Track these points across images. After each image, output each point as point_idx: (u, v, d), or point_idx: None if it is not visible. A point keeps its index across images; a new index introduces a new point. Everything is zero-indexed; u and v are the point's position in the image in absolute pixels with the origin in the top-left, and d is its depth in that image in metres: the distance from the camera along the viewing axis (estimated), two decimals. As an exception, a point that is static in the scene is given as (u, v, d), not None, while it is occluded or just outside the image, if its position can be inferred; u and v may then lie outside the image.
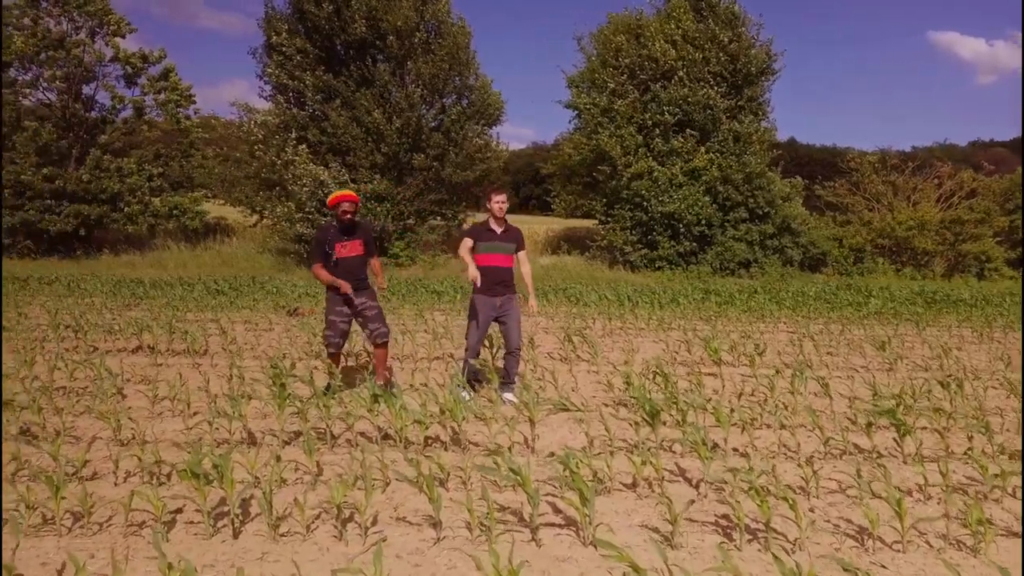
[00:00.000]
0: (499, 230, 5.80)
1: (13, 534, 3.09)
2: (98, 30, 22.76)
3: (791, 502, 3.21)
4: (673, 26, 21.42)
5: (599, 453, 4.43)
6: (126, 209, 22.11)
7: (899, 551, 3.24)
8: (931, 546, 3.30)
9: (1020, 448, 4.67)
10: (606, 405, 5.77)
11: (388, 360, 6.03)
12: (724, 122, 21.12)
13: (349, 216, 5.73)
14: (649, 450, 4.33)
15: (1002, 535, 3.43)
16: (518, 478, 3.33)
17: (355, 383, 6.29)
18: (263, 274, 18.52)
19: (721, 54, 21.03)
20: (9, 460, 4.03)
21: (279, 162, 19.78)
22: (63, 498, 3.30)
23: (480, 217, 6.55)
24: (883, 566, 3.12)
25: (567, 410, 5.09)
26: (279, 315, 10.89)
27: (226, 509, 3.42)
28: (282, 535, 3.31)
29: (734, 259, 20.34)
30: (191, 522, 3.44)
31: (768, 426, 5.17)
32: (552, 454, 4.44)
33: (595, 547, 3.18)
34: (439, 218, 22.14)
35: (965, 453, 4.48)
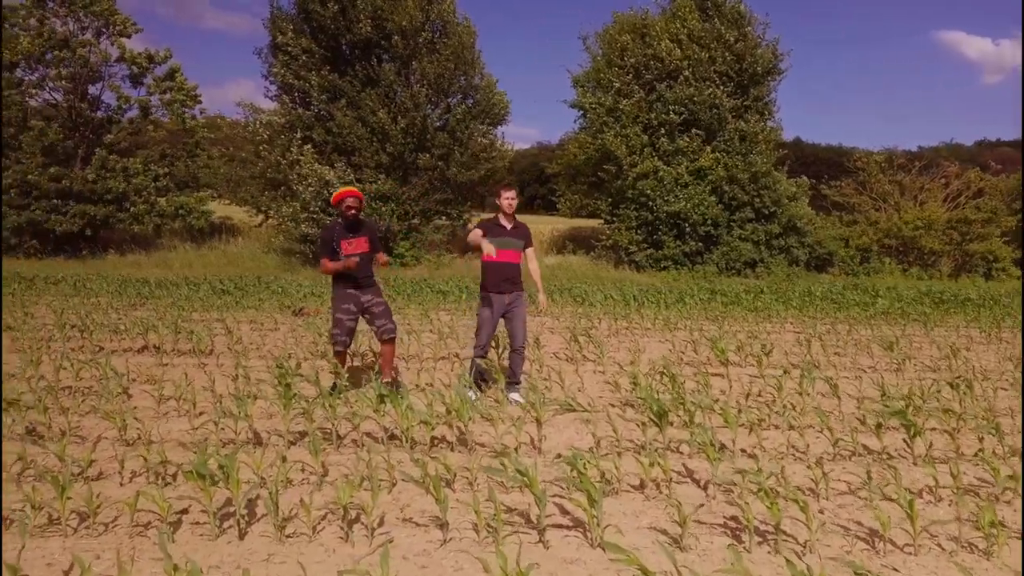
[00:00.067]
0: (508, 226, 5.79)
1: (19, 534, 3.08)
2: (104, 30, 22.87)
3: (801, 504, 3.18)
4: (679, 25, 21.40)
5: (606, 454, 4.40)
6: (132, 209, 22.18)
7: (911, 554, 3.21)
8: (943, 549, 3.26)
9: (1031, 450, 4.62)
10: (613, 405, 5.74)
11: (394, 360, 6.02)
12: (730, 121, 21.08)
13: (353, 212, 5.71)
14: (657, 451, 4.30)
15: (1015, 537, 3.39)
16: (525, 479, 3.30)
17: (361, 383, 6.28)
18: (268, 274, 18.54)
19: (727, 53, 21.00)
20: (15, 460, 4.02)
21: (284, 162, 19.82)
22: (69, 498, 3.28)
23: (485, 217, 6.54)
24: (895, 569, 3.08)
25: (573, 410, 5.07)
26: (284, 315, 10.89)
27: (232, 510, 3.41)
28: (288, 536, 3.29)
29: (740, 259, 20.30)
30: (197, 523, 3.42)
31: (776, 427, 5.13)
32: (560, 455, 4.42)
33: (603, 549, 3.15)
34: (444, 218, 22.15)
35: (976, 455, 4.44)
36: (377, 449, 4.43)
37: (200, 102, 24.41)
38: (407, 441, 4.51)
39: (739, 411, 4.96)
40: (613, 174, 21.46)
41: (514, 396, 5.69)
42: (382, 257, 5.94)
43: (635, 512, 3.64)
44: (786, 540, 3.28)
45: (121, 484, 3.90)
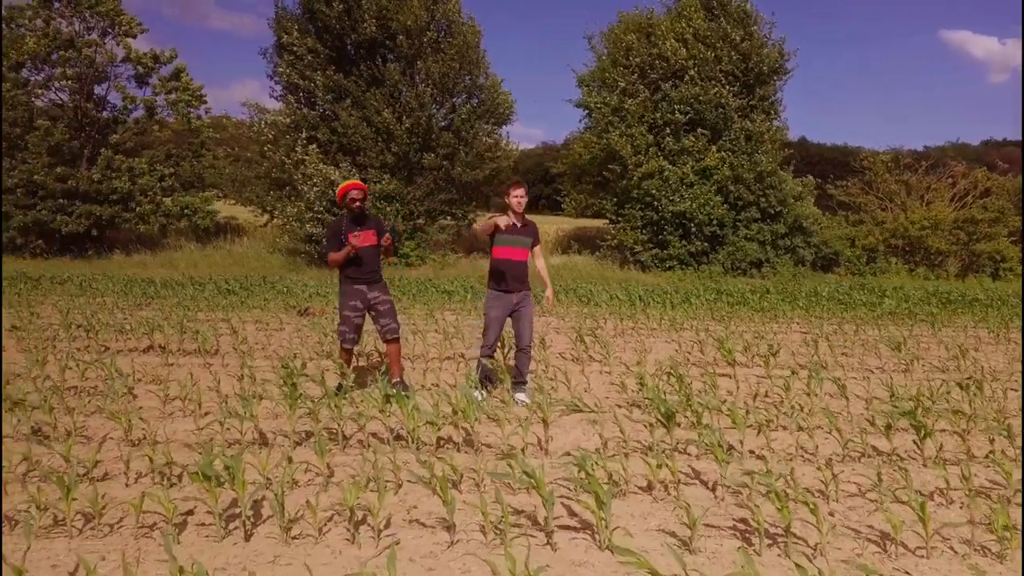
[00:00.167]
0: (517, 224, 5.76)
1: (24, 535, 3.06)
2: (110, 30, 22.90)
3: (811, 506, 3.15)
4: (684, 25, 21.32)
5: (614, 455, 4.36)
6: (137, 209, 22.21)
7: (923, 557, 3.17)
8: (956, 552, 3.23)
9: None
10: (619, 406, 5.71)
11: (400, 359, 6.01)
12: (736, 121, 20.99)
13: (358, 204, 5.71)
14: (664, 452, 4.27)
15: (1028, 541, 3.35)
16: (532, 481, 3.28)
17: (367, 383, 6.26)
18: (274, 274, 18.54)
19: (733, 53, 20.91)
20: (20, 460, 4.02)
21: (289, 162, 19.82)
22: (74, 499, 3.27)
23: (490, 216, 6.50)
24: (907, 572, 3.04)
25: (580, 411, 5.05)
26: (290, 315, 10.88)
27: (237, 511, 3.39)
28: (294, 538, 3.27)
29: (746, 259, 20.21)
30: (202, 524, 3.41)
31: (784, 428, 5.09)
32: (567, 454, 4.39)
33: (612, 551, 3.12)
34: (449, 218, 22.11)
35: (987, 456, 4.40)
36: (383, 450, 4.41)
37: (205, 102, 24.46)
38: (413, 442, 4.49)
39: (747, 412, 4.93)
40: (618, 174, 21.40)
41: (520, 396, 5.66)
42: (387, 239, 5.88)
43: (643, 514, 3.61)
44: (796, 543, 3.25)
45: (126, 485, 3.89)
